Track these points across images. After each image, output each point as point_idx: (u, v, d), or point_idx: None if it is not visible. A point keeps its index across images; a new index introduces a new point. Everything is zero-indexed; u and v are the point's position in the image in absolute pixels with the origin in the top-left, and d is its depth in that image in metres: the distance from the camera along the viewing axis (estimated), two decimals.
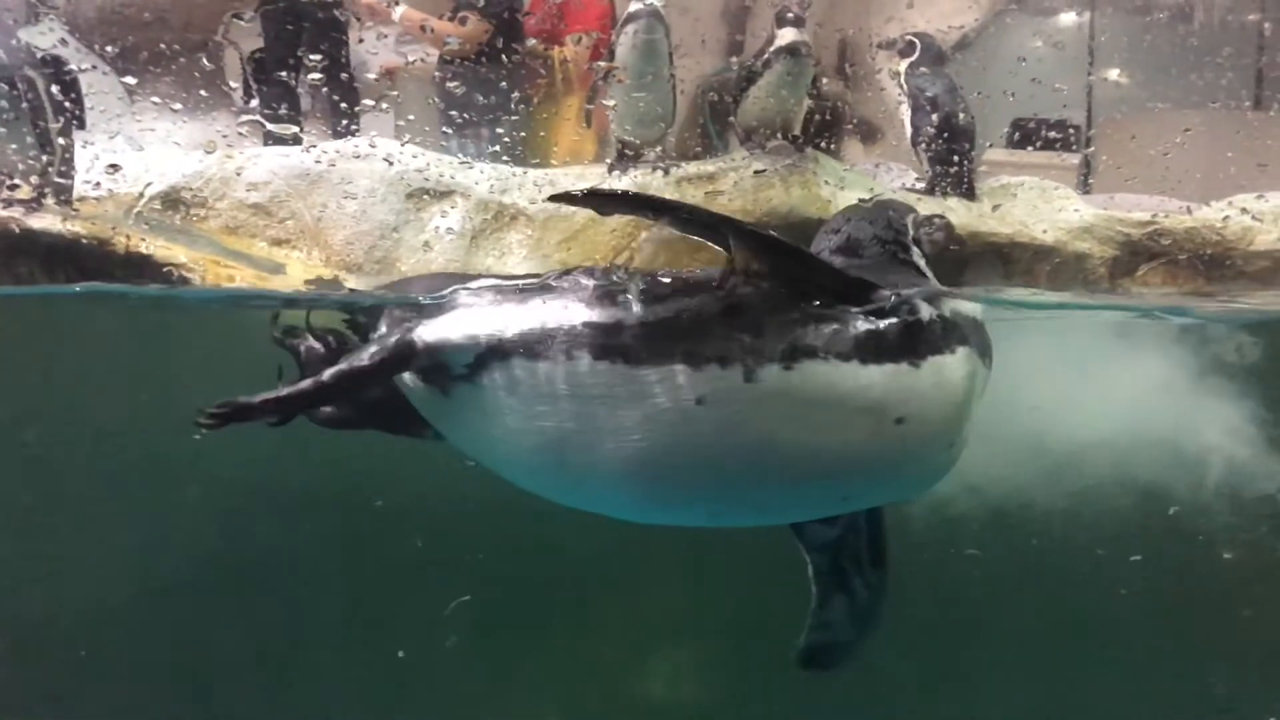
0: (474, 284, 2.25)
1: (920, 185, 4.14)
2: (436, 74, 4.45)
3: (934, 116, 3.99)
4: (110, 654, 4.07)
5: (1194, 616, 3.83)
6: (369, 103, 4.36)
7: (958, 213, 4.03)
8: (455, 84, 4.29)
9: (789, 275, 1.83)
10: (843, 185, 4.00)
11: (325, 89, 4.33)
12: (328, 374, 2.07)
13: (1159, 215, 4.02)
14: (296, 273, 3.89)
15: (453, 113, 4.22)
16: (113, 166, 3.55)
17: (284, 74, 4.28)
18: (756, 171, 3.79)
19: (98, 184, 3.51)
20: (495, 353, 1.96)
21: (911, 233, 2.25)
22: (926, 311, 1.87)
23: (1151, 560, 3.60)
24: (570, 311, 1.89)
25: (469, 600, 4.02)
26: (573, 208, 3.98)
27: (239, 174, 3.93)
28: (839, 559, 2.25)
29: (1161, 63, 4.20)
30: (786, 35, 3.71)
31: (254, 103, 4.37)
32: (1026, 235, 4.06)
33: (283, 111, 4.37)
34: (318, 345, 2.65)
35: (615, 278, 1.97)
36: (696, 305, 1.82)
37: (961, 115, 4.02)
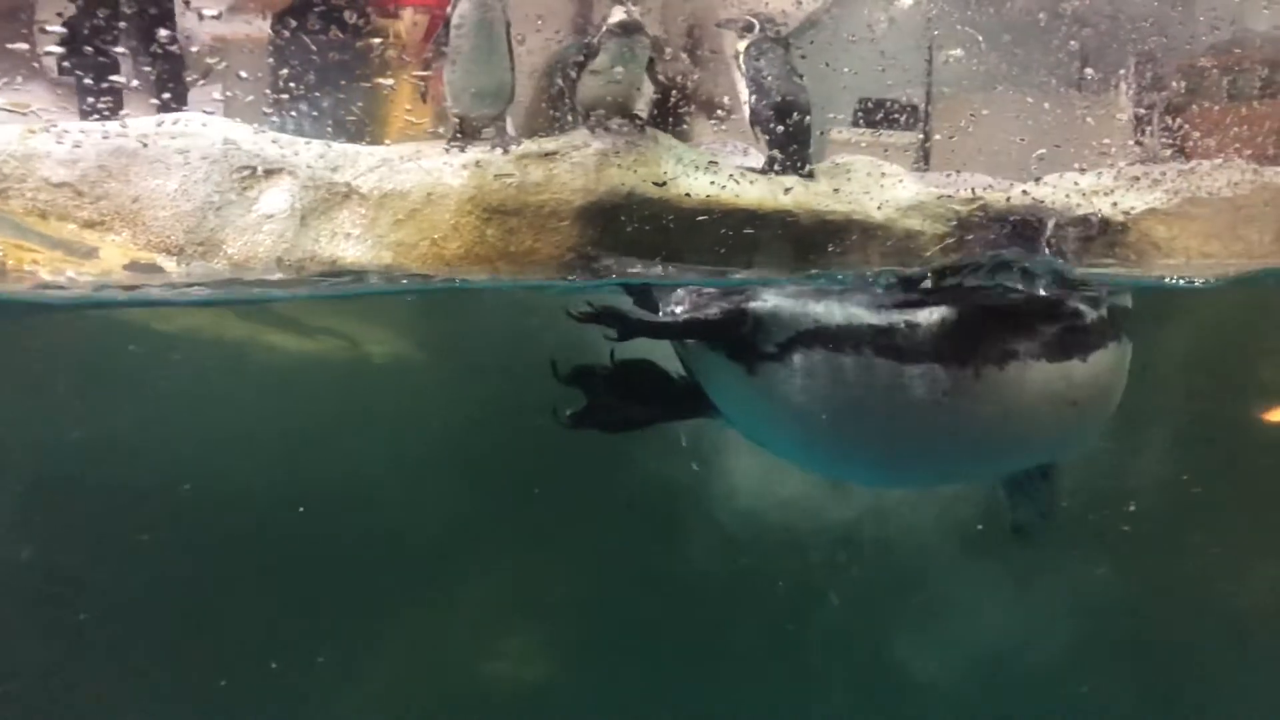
0: None
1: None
2: (270, 45, 4.24)
3: (770, 96, 4.03)
4: None
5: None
6: (193, 74, 4.13)
7: (796, 192, 4.10)
8: (285, 54, 4.09)
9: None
10: (685, 164, 4.01)
11: (144, 57, 4.06)
12: (681, 319, 2.71)
13: (983, 191, 4.15)
14: (111, 256, 3.69)
15: (282, 86, 4.03)
16: None
17: (99, 41, 4.00)
18: (538, 152, 3.78)
19: None
20: (804, 338, 2.48)
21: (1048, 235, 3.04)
22: (1090, 314, 2.51)
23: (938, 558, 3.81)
24: (864, 313, 2.45)
25: (316, 593, 3.93)
26: (408, 185, 3.90)
27: (44, 151, 3.68)
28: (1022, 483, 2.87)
29: (991, 41, 4.33)
30: (617, 13, 3.68)
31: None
32: (861, 214, 4.15)
33: (99, 83, 4.09)
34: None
35: (897, 287, 2.71)
36: (945, 316, 2.41)
37: (798, 95, 4.07)
